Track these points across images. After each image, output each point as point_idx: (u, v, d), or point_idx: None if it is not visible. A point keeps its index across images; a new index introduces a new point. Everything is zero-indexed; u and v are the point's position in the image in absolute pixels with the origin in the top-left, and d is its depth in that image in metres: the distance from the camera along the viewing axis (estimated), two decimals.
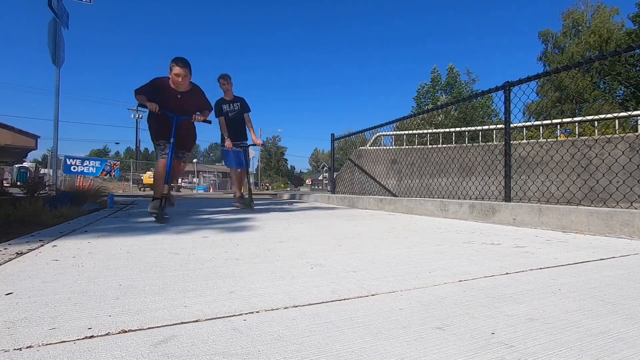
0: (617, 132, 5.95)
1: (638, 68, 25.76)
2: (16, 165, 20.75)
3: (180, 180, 29.70)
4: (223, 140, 4.90)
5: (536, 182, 4.21)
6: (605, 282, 1.15)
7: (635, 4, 26.19)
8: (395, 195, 6.43)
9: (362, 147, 7.54)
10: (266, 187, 41.86)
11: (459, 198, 4.64)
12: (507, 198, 3.22)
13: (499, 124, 6.50)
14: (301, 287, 1.10)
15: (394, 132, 7.84)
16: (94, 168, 15.78)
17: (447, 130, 8.14)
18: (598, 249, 1.76)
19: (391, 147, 7.56)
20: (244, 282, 1.16)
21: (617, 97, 26.99)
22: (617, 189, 3.14)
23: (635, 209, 2.20)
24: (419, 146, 7.64)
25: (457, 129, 7.86)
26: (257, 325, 0.80)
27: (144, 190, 22.88)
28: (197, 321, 0.83)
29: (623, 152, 4.12)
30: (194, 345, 0.70)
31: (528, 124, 7.08)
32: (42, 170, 21.93)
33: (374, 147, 7.56)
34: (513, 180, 3.59)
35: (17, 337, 0.74)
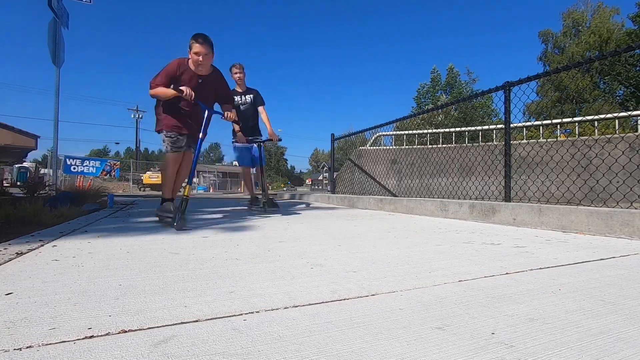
0: (617, 132, 5.95)
1: (638, 68, 25.76)
2: (16, 165, 20.76)
3: None
4: (234, 135, 4.47)
5: (536, 182, 4.21)
6: (605, 282, 1.15)
7: (635, 4, 26.19)
8: (395, 195, 6.44)
9: (362, 147, 7.54)
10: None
11: (459, 198, 4.64)
12: (507, 198, 3.22)
13: (499, 124, 6.50)
14: (301, 287, 1.10)
15: (394, 132, 7.84)
16: (94, 168, 15.77)
17: (447, 130, 8.14)
18: (598, 249, 1.76)
19: (391, 147, 7.56)
20: (244, 282, 1.16)
21: (617, 97, 27.00)
22: (617, 189, 3.14)
23: (635, 209, 2.20)
24: (419, 146, 7.64)
25: (457, 129, 7.87)
26: (257, 325, 0.80)
27: (144, 190, 22.89)
28: (197, 321, 0.83)
29: (623, 152, 4.12)
30: (194, 345, 0.70)
31: (528, 124, 7.08)
32: (42, 170, 21.93)
33: (374, 147, 7.56)
34: (513, 180, 3.59)
35: (17, 337, 0.74)
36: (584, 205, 2.63)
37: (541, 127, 7.00)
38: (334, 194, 6.82)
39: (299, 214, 3.96)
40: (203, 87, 2.85)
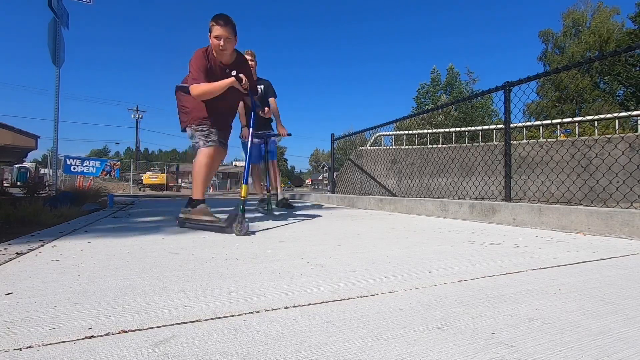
0: (617, 132, 5.95)
1: (638, 68, 25.76)
2: (16, 165, 20.76)
3: (180, 180, 29.70)
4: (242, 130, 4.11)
5: (536, 182, 4.21)
6: (605, 282, 1.15)
7: (635, 4, 26.20)
8: (395, 195, 6.43)
9: (362, 147, 7.54)
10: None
11: (459, 198, 4.64)
12: (507, 198, 3.22)
13: (499, 124, 6.50)
14: (301, 287, 1.10)
15: (394, 132, 7.84)
16: (94, 168, 15.78)
17: (447, 130, 8.14)
18: (598, 249, 1.76)
19: (391, 147, 7.56)
20: (244, 282, 1.16)
21: (618, 97, 27.00)
22: (617, 189, 3.14)
23: (635, 209, 2.20)
24: (419, 146, 7.64)
25: (457, 129, 7.87)
26: (257, 325, 0.80)
27: (143, 190, 22.90)
28: (197, 321, 0.83)
29: (623, 152, 4.12)
30: (194, 345, 0.70)
31: (528, 124, 7.09)
32: (42, 170, 21.96)
33: (374, 147, 7.56)
34: (513, 180, 3.59)
35: (17, 337, 0.74)
36: (584, 205, 2.63)
37: (541, 127, 7.00)
38: (334, 194, 6.82)
39: (299, 213, 3.95)
40: (229, 76, 2.50)
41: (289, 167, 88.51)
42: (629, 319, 0.84)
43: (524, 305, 0.94)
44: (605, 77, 27.24)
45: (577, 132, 6.65)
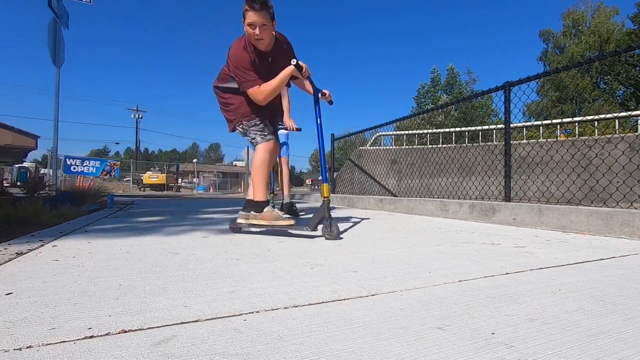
0: (617, 132, 5.95)
1: (638, 68, 25.76)
2: (16, 165, 20.77)
3: (180, 180, 29.71)
4: None
5: (536, 182, 4.21)
6: (605, 282, 1.15)
7: (635, 5, 26.21)
8: (395, 195, 6.43)
9: (362, 147, 7.54)
10: None
11: (459, 198, 4.64)
12: (507, 198, 3.22)
13: (499, 124, 6.50)
14: (301, 287, 1.10)
15: (394, 132, 7.84)
16: (94, 168, 15.79)
17: (447, 130, 8.14)
18: (598, 249, 1.76)
19: (391, 147, 7.56)
20: (244, 282, 1.16)
21: (618, 97, 27.01)
22: (617, 189, 3.14)
23: (635, 209, 2.20)
24: (419, 146, 7.64)
25: (457, 129, 7.87)
26: (257, 325, 0.80)
27: (144, 190, 22.90)
28: (197, 321, 0.83)
29: (623, 152, 4.12)
30: (194, 345, 0.70)
31: (528, 124, 7.09)
32: (42, 170, 21.96)
33: (374, 147, 7.56)
34: (513, 180, 3.59)
35: (17, 337, 0.74)
36: (584, 205, 2.63)
37: (541, 127, 7.00)
38: (334, 193, 6.82)
39: (298, 213, 3.95)
40: (274, 65, 2.22)
41: (289, 167, 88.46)
42: (629, 319, 0.84)
43: (524, 305, 0.94)
44: (606, 77, 27.24)
45: (577, 132, 6.65)
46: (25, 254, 1.61)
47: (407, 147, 7.49)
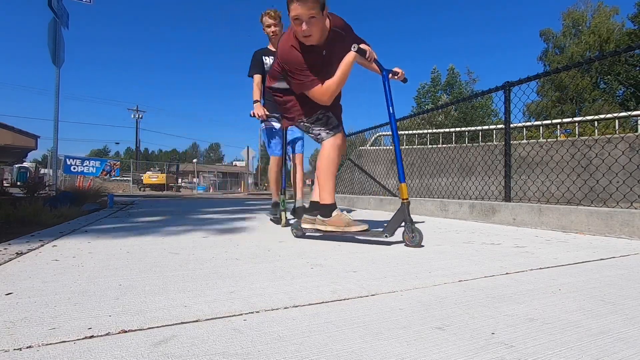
0: (617, 132, 5.95)
1: (638, 68, 25.77)
2: (16, 165, 20.76)
3: (180, 180, 29.70)
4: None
5: (536, 182, 4.21)
6: (605, 282, 1.15)
7: (635, 5, 26.22)
8: (395, 195, 6.43)
9: (362, 147, 7.54)
10: (264, 187, 41.96)
11: (459, 198, 4.64)
12: (507, 198, 3.22)
13: (499, 124, 6.50)
14: (301, 287, 1.10)
15: None
16: (94, 168, 15.79)
17: (447, 130, 8.15)
18: (598, 249, 1.76)
19: (391, 147, 7.56)
20: (244, 282, 1.16)
21: (618, 97, 27.00)
22: (617, 189, 3.14)
23: (635, 209, 2.20)
24: (419, 146, 7.64)
25: (457, 129, 7.87)
26: (257, 325, 0.80)
27: (143, 190, 22.89)
28: (197, 321, 0.83)
29: (623, 152, 4.12)
30: (194, 345, 0.70)
31: (528, 124, 7.09)
32: (42, 170, 21.97)
33: (374, 147, 7.56)
34: (513, 180, 3.59)
35: (17, 337, 0.74)
36: (584, 205, 2.63)
37: (541, 127, 7.00)
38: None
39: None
40: (333, 56, 1.97)
41: (289, 168, 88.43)
42: (629, 319, 0.84)
43: (524, 305, 0.94)
44: (606, 77, 27.24)
45: (577, 132, 6.65)
46: (25, 254, 1.61)
47: (407, 147, 7.50)
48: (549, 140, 5.62)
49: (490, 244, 1.93)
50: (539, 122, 7.13)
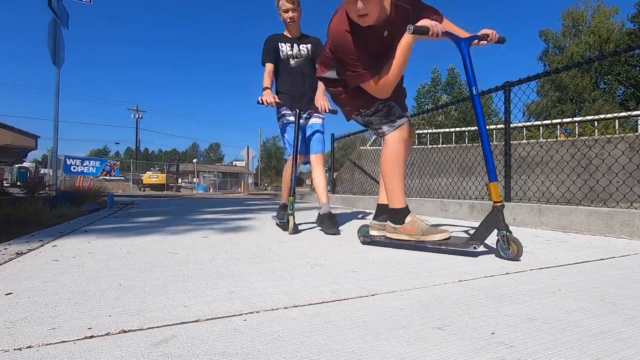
0: (617, 132, 5.96)
1: (638, 68, 25.77)
2: (16, 165, 20.76)
3: (180, 180, 29.69)
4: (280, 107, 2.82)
5: (536, 182, 4.21)
6: (605, 282, 1.15)
7: (634, 5, 26.22)
8: None
9: (362, 147, 7.54)
10: (264, 187, 41.97)
11: (459, 198, 4.64)
12: (507, 198, 3.22)
13: (499, 124, 6.51)
14: (301, 287, 1.10)
15: None
16: (94, 168, 15.79)
17: (447, 130, 8.15)
18: (598, 249, 1.76)
19: None
20: (244, 282, 1.16)
21: (618, 97, 27.00)
22: (617, 189, 3.14)
23: (635, 209, 2.20)
24: (419, 146, 7.64)
25: (457, 129, 7.87)
26: (257, 325, 0.80)
27: (143, 190, 22.90)
28: (197, 321, 0.83)
29: (623, 152, 4.12)
30: (194, 345, 0.70)
31: (528, 124, 7.09)
32: (42, 170, 21.95)
33: (374, 147, 7.56)
34: (513, 180, 3.59)
35: (17, 337, 0.74)
36: (584, 205, 2.63)
37: (541, 127, 7.00)
38: (334, 194, 6.82)
39: (299, 214, 3.96)
40: (398, 37, 1.64)
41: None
42: (629, 319, 0.84)
43: (524, 305, 0.94)
44: (606, 77, 27.24)
45: (577, 132, 6.65)
46: (25, 254, 1.61)
47: None
48: (549, 140, 5.62)
49: (490, 243, 1.93)
50: (539, 122, 7.13)
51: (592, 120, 6.79)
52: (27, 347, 0.69)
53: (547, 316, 0.86)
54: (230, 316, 0.86)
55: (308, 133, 2.85)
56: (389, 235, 1.78)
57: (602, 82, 28.45)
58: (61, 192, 5.18)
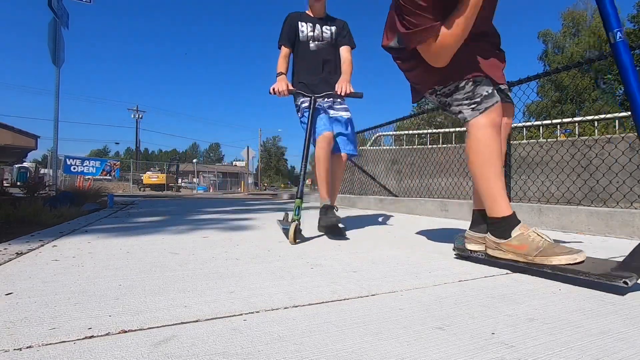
0: (617, 132, 5.96)
1: (638, 68, 25.73)
2: (16, 165, 20.75)
3: (180, 180, 29.66)
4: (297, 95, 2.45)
5: (536, 182, 4.21)
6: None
7: (634, 5, 26.23)
8: (395, 196, 6.43)
9: (362, 147, 7.54)
10: (264, 187, 41.99)
11: (459, 198, 4.64)
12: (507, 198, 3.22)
13: None
14: (301, 287, 1.10)
15: (394, 132, 7.84)
16: (94, 168, 15.80)
17: (447, 130, 8.15)
18: (598, 249, 1.76)
19: (391, 147, 7.57)
20: (244, 282, 1.16)
21: (618, 97, 26.99)
22: (617, 189, 3.14)
23: (635, 209, 2.20)
24: (419, 146, 7.64)
25: (457, 129, 7.87)
26: (257, 325, 0.80)
27: (143, 190, 22.90)
28: (197, 321, 0.83)
29: (623, 152, 4.12)
30: (194, 345, 0.70)
31: (528, 124, 7.09)
32: (42, 170, 21.95)
33: (374, 147, 7.56)
34: (513, 180, 3.59)
35: (17, 337, 0.74)
36: (584, 205, 2.63)
37: (541, 127, 7.00)
38: None
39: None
40: (488, 12, 1.40)
41: (289, 167, 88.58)
42: (629, 319, 0.84)
43: (524, 305, 0.94)
44: (606, 77, 27.24)
45: (577, 132, 6.65)
46: (25, 254, 1.61)
47: (407, 147, 7.50)
48: (549, 140, 5.62)
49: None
50: (539, 122, 7.13)
51: (592, 120, 6.79)
52: (27, 347, 0.69)
53: (547, 316, 0.86)
54: (230, 316, 0.86)
55: (336, 128, 2.43)
56: (491, 252, 1.35)
57: (602, 82, 28.45)
58: (61, 192, 5.18)
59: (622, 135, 5.11)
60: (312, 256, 1.59)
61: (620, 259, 1.52)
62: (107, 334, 0.76)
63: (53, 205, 3.63)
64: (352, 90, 2.30)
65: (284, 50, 2.49)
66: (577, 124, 6.69)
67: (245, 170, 30.92)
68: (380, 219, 3.37)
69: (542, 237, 1.25)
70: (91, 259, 1.52)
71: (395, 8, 1.31)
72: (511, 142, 3.40)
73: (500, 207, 1.32)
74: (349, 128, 2.49)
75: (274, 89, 2.30)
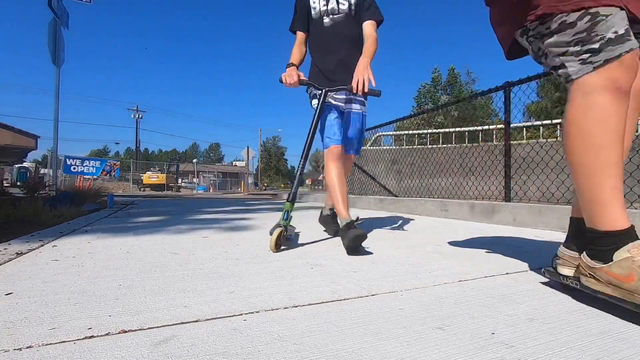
0: None
1: None
2: (16, 165, 20.76)
3: (180, 180, 29.67)
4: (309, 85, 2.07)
5: (536, 182, 4.21)
6: None
7: None
8: (395, 196, 6.44)
9: (362, 147, 7.54)
10: (264, 187, 42.00)
11: (459, 198, 4.64)
12: (507, 198, 3.22)
13: (499, 124, 6.50)
14: (301, 287, 1.10)
15: (394, 132, 7.85)
16: (94, 168, 15.80)
17: (447, 130, 8.14)
18: None
19: (391, 147, 7.57)
20: (244, 282, 1.16)
21: None
22: None
23: (635, 209, 2.20)
24: (419, 146, 7.64)
25: (457, 129, 7.87)
26: (257, 325, 0.80)
27: (143, 191, 22.90)
28: (197, 321, 0.83)
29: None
30: (194, 345, 0.70)
31: (528, 124, 7.09)
32: (42, 170, 21.97)
33: (374, 147, 7.56)
34: (513, 180, 3.59)
35: (17, 337, 0.74)
36: None
37: (541, 127, 7.00)
38: None
39: (298, 214, 3.96)
40: None
41: (289, 167, 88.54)
42: (629, 319, 0.84)
43: (524, 305, 0.94)
44: None
45: None
46: (25, 254, 1.61)
47: (407, 147, 7.50)
48: (549, 140, 5.62)
49: (490, 244, 1.93)
50: (539, 122, 7.13)
51: None
52: (27, 347, 0.69)
53: (547, 316, 0.86)
54: (230, 316, 0.86)
55: (346, 125, 2.14)
56: (584, 281, 0.94)
57: None
58: (61, 192, 5.18)
59: None
60: (312, 256, 1.59)
61: None
62: (107, 334, 0.76)
63: (53, 205, 3.63)
64: (372, 79, 1.90)
65: (299, 35, 2.19)
66: None
67: (245, 170, 30.91)
68: (380, 219, 3.37)
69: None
70: (91, 259, 1.52)
71: None
72: (511, 142, 3.40)
73: (606, 215, 0.93)
74: (361, 126, 2.20)
75: (282, 80, 2.03)
